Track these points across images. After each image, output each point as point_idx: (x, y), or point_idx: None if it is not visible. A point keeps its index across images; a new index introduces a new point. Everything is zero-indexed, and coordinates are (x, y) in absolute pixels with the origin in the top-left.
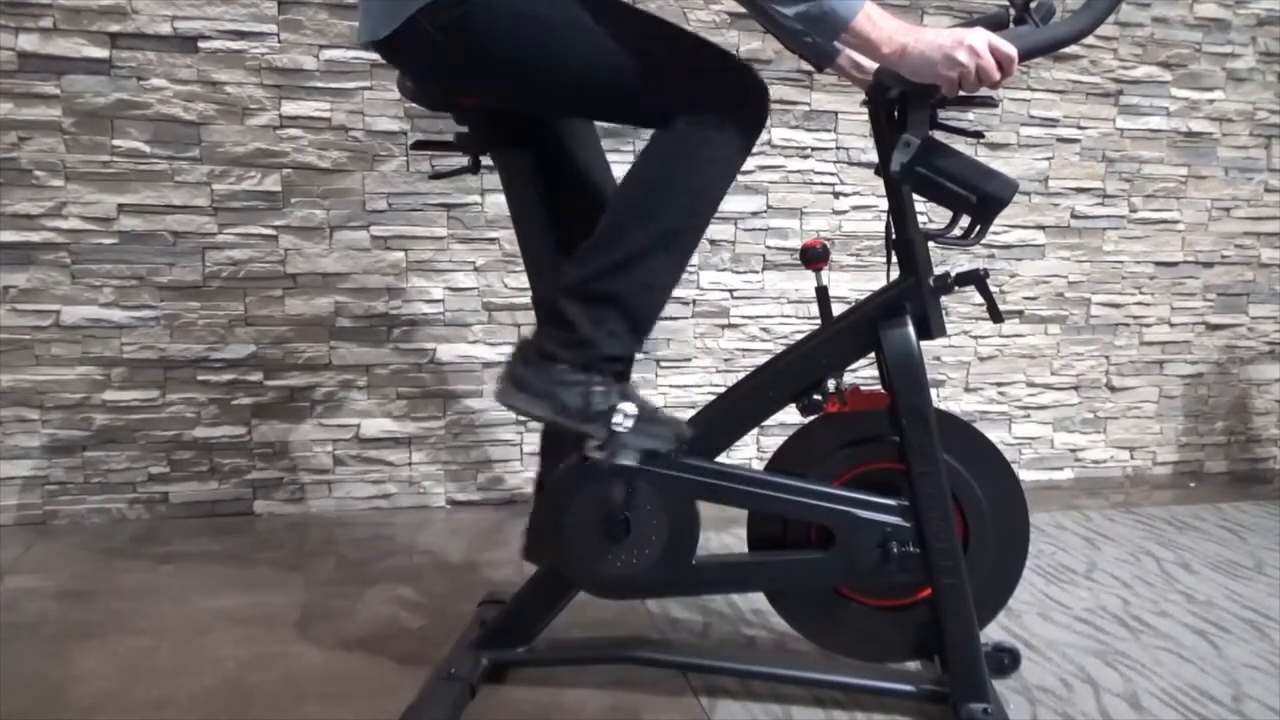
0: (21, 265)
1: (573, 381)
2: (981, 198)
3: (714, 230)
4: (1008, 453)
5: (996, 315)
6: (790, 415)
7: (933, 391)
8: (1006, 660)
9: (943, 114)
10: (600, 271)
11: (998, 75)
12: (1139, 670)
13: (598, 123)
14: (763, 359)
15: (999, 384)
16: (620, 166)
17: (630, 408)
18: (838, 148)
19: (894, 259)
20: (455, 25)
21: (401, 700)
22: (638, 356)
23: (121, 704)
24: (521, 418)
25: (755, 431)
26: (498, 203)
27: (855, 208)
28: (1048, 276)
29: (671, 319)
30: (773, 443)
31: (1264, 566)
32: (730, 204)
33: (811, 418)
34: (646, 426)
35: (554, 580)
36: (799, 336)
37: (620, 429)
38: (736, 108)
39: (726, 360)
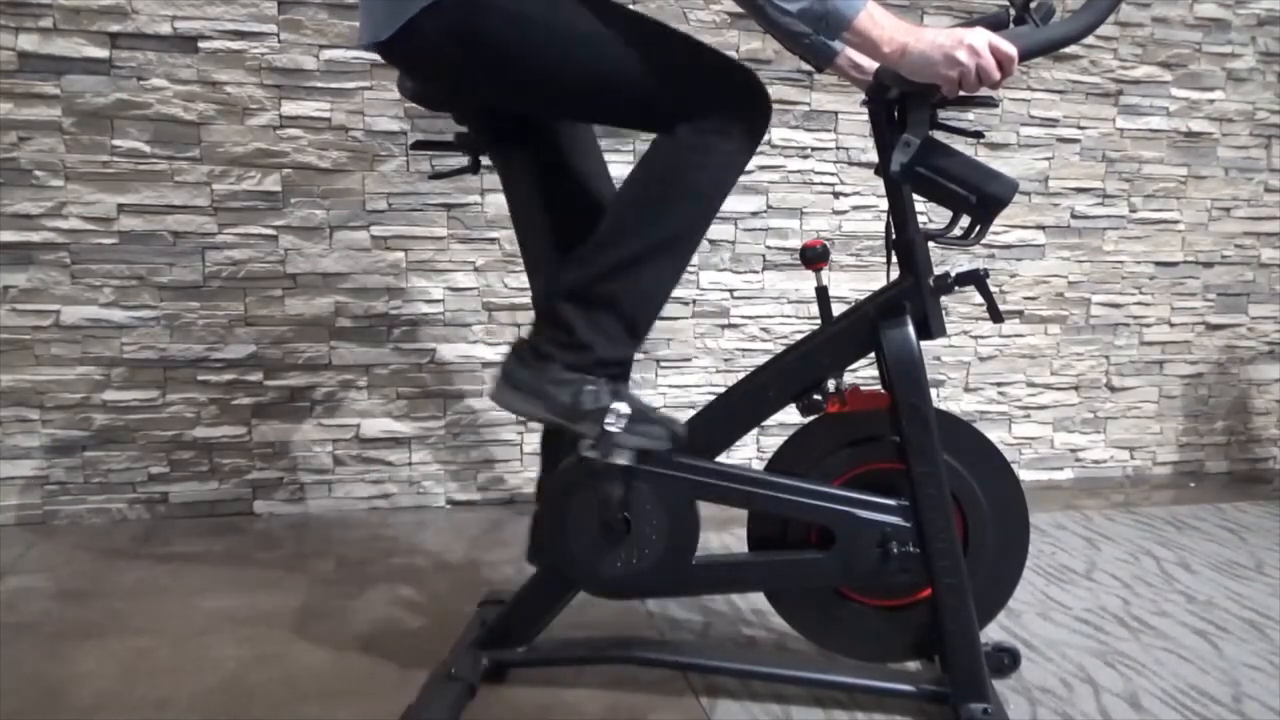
0: (21, 265)
1: (566, 381)
2: (981, 198)
3: (714, 230)
4: (1008, 453)
5: (996, 315)
6: (790, 415)
7: (933, 391)
8: (1006, 660)
9: (943, 114)
10: (599, 275)
11: (998, 75)
12: (1139, 670)
13: (597, 125)
14: (763, 359)
15: (999, 384)
16: (619, 167)
17: (624, 407)
18: (838, 148)
19: (894, 259)
20: (457, 27)
21: (401, 700)
22: (636, 358)
23: (121, 704)
24: (520, 417)
25: (755, 431)
26: (498, 203)
27: (855, 208)
28: (1048, 276)
29: (671, 319)
30: (773, 443)
31: (1264, 566)
32: (730, 204)
33: (811, 418)
34: (639, 426)
35: (554, 580)
36: (799, 336)
37: (613, 428)
38: (740, 115)
39: (726, 360)
